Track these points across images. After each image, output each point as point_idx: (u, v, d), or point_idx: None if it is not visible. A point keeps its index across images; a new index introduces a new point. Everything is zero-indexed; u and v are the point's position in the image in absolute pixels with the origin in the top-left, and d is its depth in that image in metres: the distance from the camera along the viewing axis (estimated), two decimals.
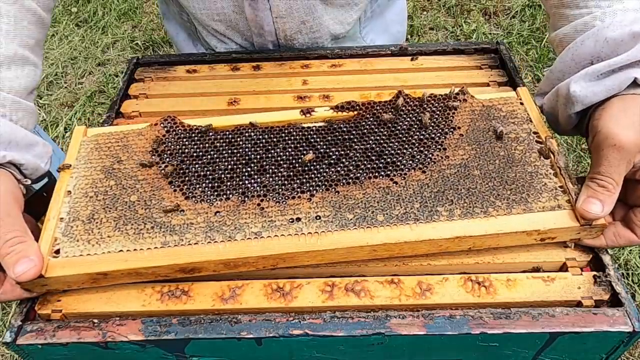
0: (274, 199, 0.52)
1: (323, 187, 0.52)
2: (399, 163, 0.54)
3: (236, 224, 0.50)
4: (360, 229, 0.49)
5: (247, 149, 0.56)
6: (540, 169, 0.53)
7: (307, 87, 0.71)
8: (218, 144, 0.57)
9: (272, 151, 0.56)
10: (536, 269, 0.51)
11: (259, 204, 0.51)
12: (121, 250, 0.49)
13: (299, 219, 0.50)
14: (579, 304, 0.48)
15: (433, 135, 0.56)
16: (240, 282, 0.50)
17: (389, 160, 0.54)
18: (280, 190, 0.52)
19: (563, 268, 0.51)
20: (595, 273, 0.49)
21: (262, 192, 0.52)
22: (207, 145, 0.57)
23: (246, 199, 0.52)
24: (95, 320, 0.47)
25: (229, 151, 0.56)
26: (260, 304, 0.48)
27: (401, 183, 0.52)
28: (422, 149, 0.55)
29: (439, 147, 0.55)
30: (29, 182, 0.54)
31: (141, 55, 0.78)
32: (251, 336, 0.46)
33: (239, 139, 0.57)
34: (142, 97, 0.72)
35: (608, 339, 0.46)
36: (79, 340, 0.46)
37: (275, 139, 0.57)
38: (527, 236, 0.49)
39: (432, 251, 0.50)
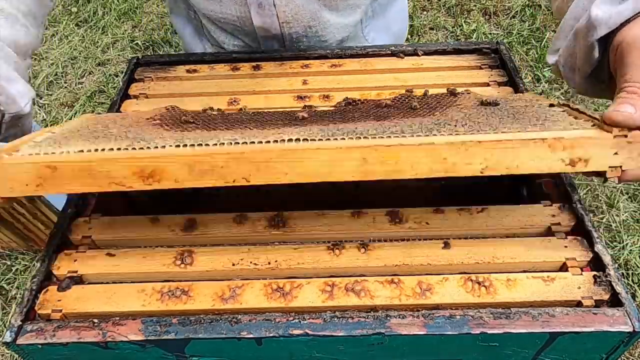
0: (262, 127, 0.50)
1: (316, 124, 0.52)
2: (397, 115, 0.53)
3: (212, 136, 0.46)
4: (348, 140, 0.44)
5: (244, 117, 0.57)
6: (556, 113, 0.48)
7: (307, 87, 0.71)
8: (214, 116, 0.58)
9: (269, 117, 0.57)
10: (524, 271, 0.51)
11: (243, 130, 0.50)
12: (81, 151, 0.44)
13: (283, 140, 0.45)
14: (579, 304, 0.48)
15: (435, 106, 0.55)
16: (241, 282, 0.50)
17: (386, 116, 0.53)
18: (272, 126, 0.52)
19: (563, 268, 0.51)
20: (595, 273, 0.49)
21: (252, 126, 0.51)
22: (205, 117, 0.58)
23: (232, 128, 0.52)
24: (95, 320, 0.47)
25: (226, 119, 0.58)
26: (260, 304, 0.48)
27: (399, 122, 0.50)
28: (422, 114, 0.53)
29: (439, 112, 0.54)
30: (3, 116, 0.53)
31: (141, 55, 0.78)
32: (251, 336, 0.46)
33: (235, 115, 0.59)
34: (142, 97, 0.72)
35: (608, 339, 0.46)
36: (79, 340, 0.46)
37: (273, 117, 0.59)
38: (551, 152, 0.42)
39: (435, 170, 0.43)
